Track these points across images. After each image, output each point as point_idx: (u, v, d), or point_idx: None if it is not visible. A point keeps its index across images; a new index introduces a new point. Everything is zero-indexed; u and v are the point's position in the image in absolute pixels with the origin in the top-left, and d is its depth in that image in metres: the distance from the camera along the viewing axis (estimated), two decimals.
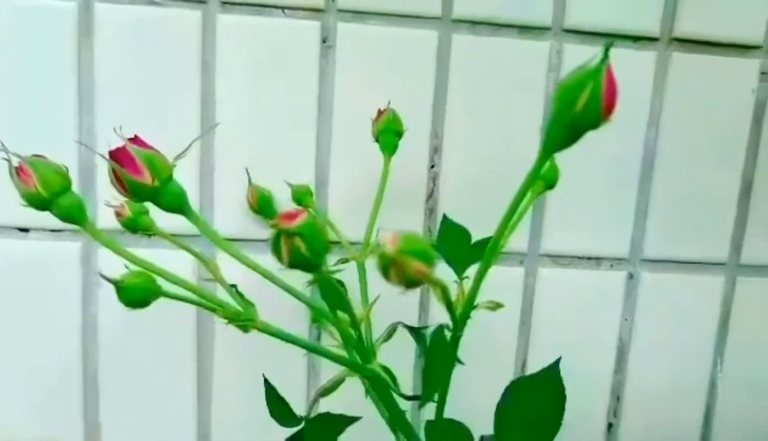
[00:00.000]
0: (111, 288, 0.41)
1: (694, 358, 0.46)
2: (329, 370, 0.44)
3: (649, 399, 0.46)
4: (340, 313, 0.30)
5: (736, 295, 0.45)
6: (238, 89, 0.40)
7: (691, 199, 0.44)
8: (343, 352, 0.38)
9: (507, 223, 0.23)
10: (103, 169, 0.39)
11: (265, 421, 0.44)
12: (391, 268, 0.16)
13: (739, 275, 0.45)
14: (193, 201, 0.40)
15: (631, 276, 0.45)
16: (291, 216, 0.19)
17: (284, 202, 0.39)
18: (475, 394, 0.36)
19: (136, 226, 0.33)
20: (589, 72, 0.19)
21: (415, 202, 0.42)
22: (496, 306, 0.29)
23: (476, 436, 0.30)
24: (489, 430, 0.34)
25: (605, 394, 0.46)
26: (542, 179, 0.29)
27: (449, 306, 0.22)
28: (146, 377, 0.43)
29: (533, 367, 0.44)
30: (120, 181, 0.25)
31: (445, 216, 0.34)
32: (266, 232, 0.41)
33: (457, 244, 0.32)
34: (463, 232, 0.33)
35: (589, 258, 0.44)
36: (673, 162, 0.43)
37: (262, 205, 0.39)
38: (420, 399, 0.27)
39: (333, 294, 0.36)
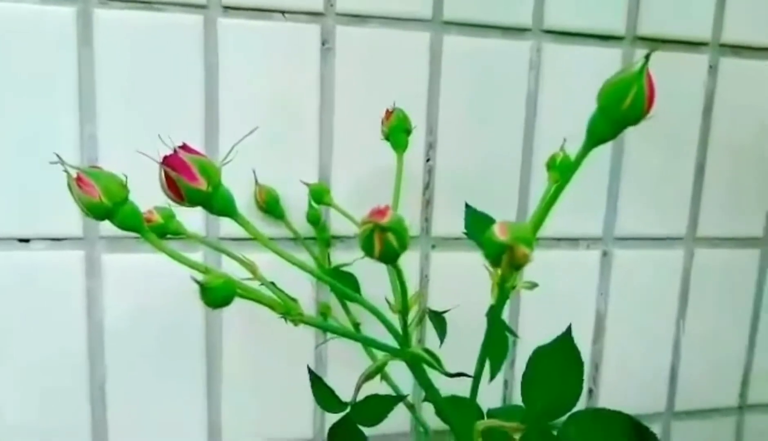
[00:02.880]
0: (116, 295, 0.42)
1: (660, 323, 0.51)
2: (336, 368, 0.46)
3: (623, 364, 0.51)
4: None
5: (694, 266, 0.51)
6: (241, 93, 0.40)
7: (654, 182, 0.49)
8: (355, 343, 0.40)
9: (546, 210, 0.26)
10: None
11: (276, 422, 0.46)
12: (504, 254, 0.18)
13: (696, 248, 0.51)
14: None
15: (605, 254, 0.49)
16: (381, 212, 0.21)
17: (289, 202, 0.41)
18: (467, 370, 0.38)
19: (166, 230, 0.33)
20: (633, 74, 0.22)
21: (412, 194, 0.44)
22: (531, 286, 0.32)
23: None
24: (484, 404, 0.37)
25: (586, 363, 0.50)
26: (558, 170, 0.32)
27: (502, 286, 0.25)
28: (154, 379, 0.43)
29: (523, 343, 0.48)
30: (173, 188, 0.26)
31: (467, 205, 0.36)
32: (272, 231, 0.42)
33: (485, 232, 0.34)
34: (488, 220, 0.35)
35: (568, 239, 0.48)
36: (638, 151, 0.48)
37: (270, 205, 0.40)
38: (464, 376, 0.29)
39: (351, 284, 0.38)
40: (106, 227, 0.40)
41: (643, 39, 0.46)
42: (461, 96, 0.44)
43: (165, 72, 0.39)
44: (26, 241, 0.39)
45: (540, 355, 0.33)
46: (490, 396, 0.46)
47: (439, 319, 0.35)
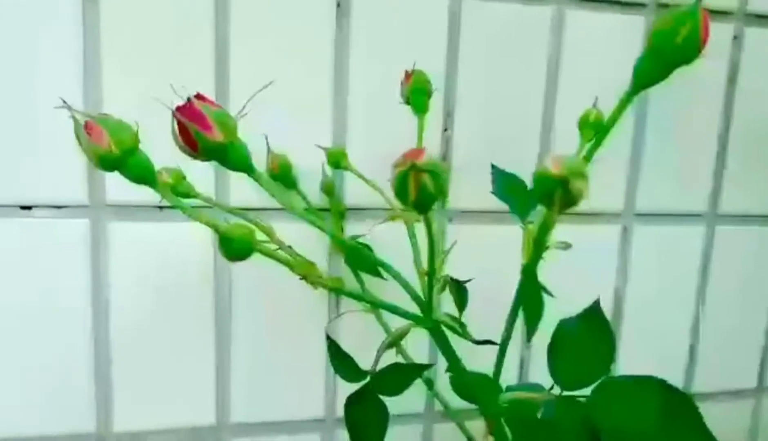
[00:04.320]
0: (122, 263, 0.40)
1: (680, 301, 0.50)
2: (349, 338, 0.45)
3: (641, 344, 0.50)
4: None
5: (716, 243, 0.49)
6: (253, 55, 0.39)
7: (676, 157, 0.47)
8: (373, 315, 0.39)
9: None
10: None
11: (285, 404, 0.44)
12: (557, 189, 0.16)
13: (717, 225, 0.49)
14: (208, 170, 0.39)
15: (625, 229, 0.48)
16: (417, 153, 0.19)
17: (302, 168, 0.39)
18: (483, 350, 0.37)
19: (177, 192, 0.32)
20: (687, 11, 0.20)
21: None
22: (565, 246, 0.30)
23: None
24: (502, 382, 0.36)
25: None
26: (592, 128, 0.31)
27: (539, 243, 0.23)
28: (161, 355, 0.41)
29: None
30: (187, 139, 0.25)
31: (493, 165, 0.35)
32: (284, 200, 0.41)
33: (515, 192, 0.33)
34: (516, 180, 0.34)
35: (587, 214, 0.47)
36: (660, 123, 0.47)
37: (282, 172, 0.39)
38: (492, 344, 0.28)
39: (363, 256, 0.36)
40: (113, 195, 0.39)
41: (667, 6, 0.45)
42: (481, 64, 0.42)
43: (174, 30, 0.38)
44: (28, 208, 0.38)
45: (568, 326, 0.32)
46: (505, 376, 0.44)
47: (459, 289, 0.33)
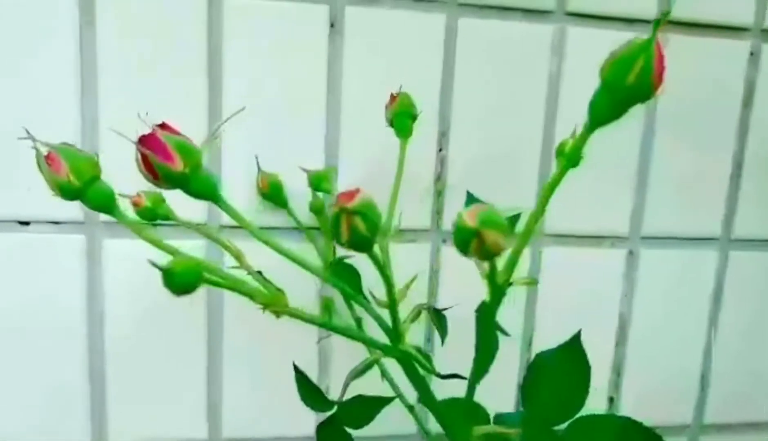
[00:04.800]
0: (117, 280, 0.41)
1: (690, 330, 0.48)
2: (340, 363, 0.45)
3: (647, 372, 0.48)
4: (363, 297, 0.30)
5: (729, 269, 0.47)
6: (246, 74, 0.39)
7: (686, 178, 0.45)
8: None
9: (545, 199, 0.23)
10: (108, 157, 0.38)
11: (277, 417, 0.44)
12: (472, 241, 0.16)
13: (731, 250, 0.47)
14: None
15: (631, 253, 0.46)
16: (350, 195, 0.19)
17: (294, 188, 0.39)
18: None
19: (155, 215, 0.32)
20: (640, 46, 0.19)
21: (424, 183, 0.42)
22: (531, 282, 0.29)
23: None
24: (497, 407, 0.35)
25: (606, 369, 0.48)
26: (566, 157, 0.30)
27: (492, 280, 0.23)
28: (154, 369, 0.42)
29: (539, 344, 0.46)
30: (150, 168, 0.25)
31: (469, 193, 0.34)
32: (274, 220, 0.41)
33: None
34: None
35: (591, 237, 0.45)
36: (669, 144, 0.45)
37: (273, 192, 0.39)
38: (458, 377, 0.27)
39: (351, 278, 0.36)
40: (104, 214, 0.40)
41: (677, 23, 0.43)
42: (477, 82, 0.42)
43: (168, 53, 0.38)
44: (26, 223, 0.39)
45: (546, 358, 0.31)
46: (503, 401, 0.44)
47: (439, 317, 0.33)
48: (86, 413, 0.42)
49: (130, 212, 0.34)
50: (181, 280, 0.22)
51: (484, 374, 0.27)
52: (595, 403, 0.47)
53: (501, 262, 0.26)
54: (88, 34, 0.37)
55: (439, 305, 0.44)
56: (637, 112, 0.43)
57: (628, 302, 0.47)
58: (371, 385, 0.35)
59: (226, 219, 0.41)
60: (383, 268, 0.23)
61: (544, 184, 0.44)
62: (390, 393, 0.35)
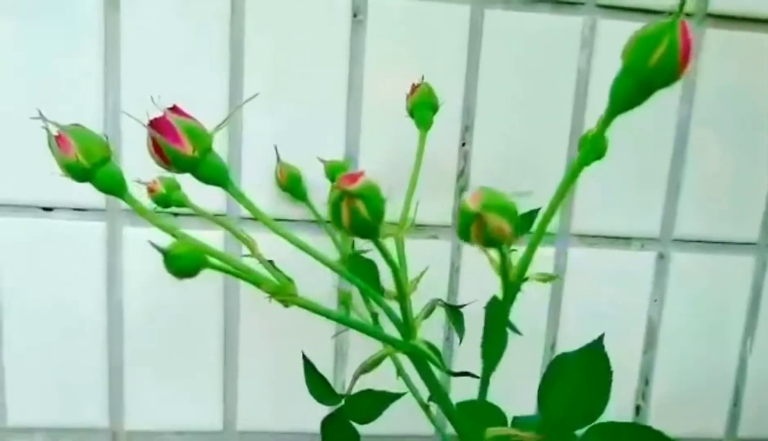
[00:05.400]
0: (137, 266, 0.41)
1: (724, 338, 0.46)
2: (356, 356, 0.44)
3: (677, 381, 0.46)
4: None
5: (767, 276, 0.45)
6: (268, 64, 0.39)
7: (723, 178, 0.43)
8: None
9: (562, 192, 0.22)
10: (129, 146, 0.39)
11: (292, 406, 0.44)
12: (473, 224, 0.15)
13: None
14: None
15: (661, 256, 0.44)
16: (352, 178, 0.18)
17: (313, 181, 0.39)
18: (504, 375, 0.35)
19: (169, 201, 0.32)
20: (664, 25, 0.18)
21: (446, 179, 0.41)
22: (548, 278, 0.28)
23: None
24: (518, 411, 0.34)
25: (634, 376, 0.46)
26: (587, 146, 0.28)
27: (504, 275, 0.22)
28: (172, 364, 0.42)
29: (563, 347, 0.44)
30: (159, 152, 0.25)
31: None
32: (293, 212, 0.40)
33: None
34: None
35: (619, 238, 0.44)
36: (705, 141, 0.43)
37: (291, 183, 0.38)
38: (468, 375, 0.26)
39: (367, 271, 0.35)
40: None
41: (715, 16, 0.41)
42: (503, 76, 0.41)
43: (190, 41, 0.38)
44: (50, 209, 0.39)
45: (565, 361, 0.29)
46: (525, 403, 0.42)
47: (455, 314, 0.32)
48: (104, 400, 0.42)
49: (146, 199, 0.34)
50: (181, 263, 0.22)
51: (492, 372, 0.26)
52: (621, 411, 0.46)
53: (515, 258, 0.25)
54: (113, 20, 0.38)
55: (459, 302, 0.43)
56: (671, 107, 0.42)
57: (658, 307, 0.45)
58: (389, 382, 0.34)
59: (245, 210, 0.41)
60: (388, 256, 0.22)
61: None
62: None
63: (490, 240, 0.15)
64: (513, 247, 0.30)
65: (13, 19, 0.37)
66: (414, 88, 0.34)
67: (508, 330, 0.29)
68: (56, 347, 0.41)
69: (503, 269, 0.20)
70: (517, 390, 0.30)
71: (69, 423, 0.42)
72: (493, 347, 0.25)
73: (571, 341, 0.32)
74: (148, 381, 0.42)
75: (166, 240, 0.40)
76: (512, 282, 0.22)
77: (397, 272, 0.23)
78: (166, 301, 0.42)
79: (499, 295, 0.23)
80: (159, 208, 0.34)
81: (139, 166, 0.28)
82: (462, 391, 0.29)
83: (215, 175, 0.26)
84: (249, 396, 0.43)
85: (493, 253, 0.23)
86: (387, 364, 0.32)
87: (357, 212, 0.18)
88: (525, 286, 0.31)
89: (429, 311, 0.29)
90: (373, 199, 0.18)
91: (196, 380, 0.43)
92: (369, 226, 0.19)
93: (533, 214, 0.31)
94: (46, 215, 0.39)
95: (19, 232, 0.39)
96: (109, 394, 0.42)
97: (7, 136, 0.38)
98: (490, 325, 0.24)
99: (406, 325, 0.27)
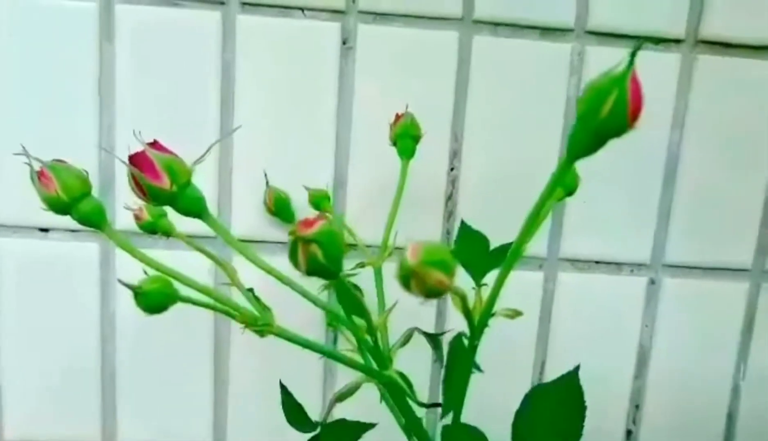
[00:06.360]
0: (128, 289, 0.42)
1: (716, 365, 0.45)
2: (346, 376, 0.44)
3: (668, 406, 0.46)
4: (357, 318, 0.29)
5: (761, 302, 0.44)
6: (258, 91, 0.40)
7: (715, 203, 0.43)
8: (359, 357, 0.38)
9: (528, 231, 0.23)
10: (122, 172, 0.40)
11: (281, 425, 0.44)
12: (412, 279, 0.15)
13: (764, 282, 0.44)
14: (211, 202, 0.40)
15: (652, 282, 0.44)
16: (309, 223, 0.19)
17: (302, 205, 0.39)
18: (492, 400, 0.35)
19: (155, 229, 0.33)
20: (614, 78, 0.18)
21: (434, 204, 0.42)
22: (514, 314, 0.28)
23: None
24: (505, 437, 0.34)
25: (624, 401, 0.46)
26: (562, 186, 0.29)
27: (467, 314, 0.22)
28: (163, 376, 0.43)
29: (552, 374, 0.44)
30: (139, 186, 0.25)
31: (463, 222, 0.33)
32: (284, 235, 0.41)
33: (475, 251, 0.31)
34: (481, 239, 0.32)
35: (610, 263, 0.44)
36: (697, 165, 0.43)
37: (279, 208, 0.39)
38: (438, 407, 0.26)
39: (349, 299, 0.36)
40: (121, 223, 0.41)
41: (708, 42, 0.41)
42: (492, 102, 0.41)
43: (182, 69, 0.39)
44: (46, 230, 0.40)
45: (540, 393, 0.30)
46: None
47: (434, 341, 0.32)
48: (97, 413, 0.43)
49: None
50: (151, 300, 0.22)
51: (459, 408, 0.26)
52: (612, 436, 0.46)
53: (485, 293, 0.26)
54: (107, 49, 0.39)
55: (448, 327, 0.44)
56: (662, 132, 0.42)
57: (649, 333, 0.45)
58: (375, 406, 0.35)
59: (239, 232, 0.41)
60: (350, 294, 0.22)
61: (558, 209, 0.42)
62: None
63: (430, 292, 0.16)
64: (483, 282, 0.31)
65: (12, 46, 0.38)
66: (397, 117, 0.35)
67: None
68: (51, 363, 0.42)
69: (466, 310, 0.21)
70: (504, 415, 0.30)
71: (62, 436, 0.43)
72: (457, 384, 0.25)
73: (560, 366, 0.32)
74: (141, 394, 0.43)
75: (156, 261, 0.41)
76: (477, 322, 0.22)
77: (362, 309, 0.23)
78: (158, 318, 0.42)
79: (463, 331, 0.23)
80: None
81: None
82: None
83: (193, 207, 0.26)
84: (239, 409, 0.44)
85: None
86: (374, 389, 0.32)
87: (314, 257, 0.19)
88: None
89: (405, 340, 0.30)
90: (331, 244, 0.19)
91: (188, 393, 0.43)
92: (326, 270, 0.19)
93: (504, 248, 0.31)
94: (42, 236, 0.40)
95: (15, 252, 0.40)
96: (102, 407, 0.43)
97: (3, 158, 0.39)
98: (453, 362, 0.24)
99: (380, 356, 0.27)
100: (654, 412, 0.46)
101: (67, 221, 0.40)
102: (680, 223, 0.43)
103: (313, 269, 0.19)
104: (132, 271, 0.41)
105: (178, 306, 0.42)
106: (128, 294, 0.42)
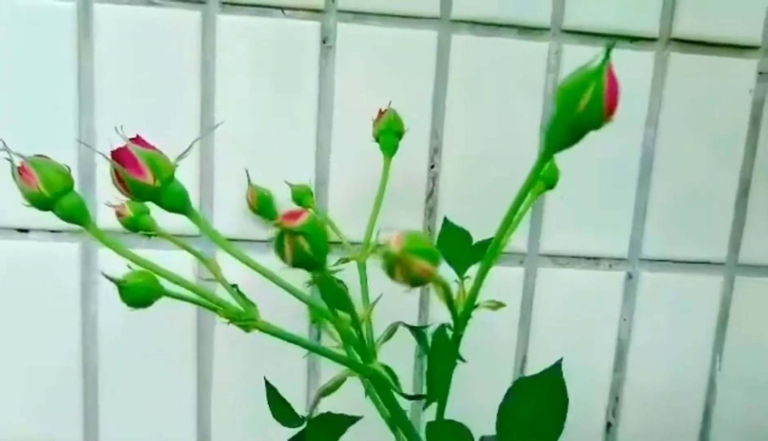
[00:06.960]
0: (111, 288, 0.41)
1: (693, 357, 0.46)
2: (330, 371, 0.44)
3: (647, 399, 0.47)
4: (341, 313, 0.30)
5: (735, 295, 0.46)
6: (238, 90, 0.40)
7: (690, 199, 0.44)
8: (343, 352, 0.39)
9: (508, 224, 0.23)
10: (103, 169, 0.39)
11: (265, 422, 0.44)
12: (396, 267, 0.16)
13: (738, 275, 0.45)
14: (193, 201, 0.40)
15: (630, 276, 0.45)
16: (294, 215, 0.19)
17: (284, 202, 0.39)
18: (475, 394, 0.36)
19: (137, 225, 0.33)
20: (590, 73, 0.19)
21: (415, 201, 0.42)
22: (497, 305, 0.29)
23: (476, 436, 0.30)
24: (489, 430, 0.34)
25: (604, 393, 0.46)
26: (542, 179, 0.29)
27: (451, 305, 0.22)
28: (146, 377, 0.43)
29: (533, 367, 0.45)
30: (122, 181, 0.25)
31: (445, 218, 0.34)
32: (266, 233, 0.41)
33: (458, 245, 0.32)
34: (463, 234, 0.33)
35: (588, 258, 0.44)
36: (672, 162, 0.44)
37: (261, 205, 0.39)
38: (423, 398, 0.27)
39: (334, 293, 0.36)
40: (103, 221, 0.41)
41: (680, 41, 0.42)
42: (470, 100, 0.41)
43: (162, 68, 0.39)
44: (25, 231, 0.40)
45: (524, 386, 0.30)
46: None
47: (418, 334, 0.32)
48: (79, 415, 0.42)
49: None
50: (135, 294, 0.22)
51: (443, 399, 0.26)
52: (592, 428, 0.47)
53: (468, 285, 0.26)
54: (86, 47, 0.38)
55: (431, 321, 0.44)
56: (637, 129, 0.43)
57: (627, 326, 0.45)
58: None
59: (221, 231, 0.41)
60: (335, 287, 0.22)
61: (538, 206, 0.43)
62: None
63: (414, 280, 0.16)
64: (465, 275, 0.31)
65: None
66: (380, 114, 0.35)
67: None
68: (31, 364, 0.41)
69: (449, 300, 0.21)
70: (486, 408, 0.31)
71: (45, 436, 0.42)
72: (441, 374, 0.26)
73: (541, 360, 0.33)
74: (123, 397, 0.43)
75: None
76: (460, 314, 0.22)
77: (347, 303, 0.24)
78: (140, 318, 0.42)
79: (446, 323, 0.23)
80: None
81: (113, 189, 0.29)
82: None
83: (176, 203, 0.26)
84: (223, 408, 0.44)
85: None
86: (359, 384, 0.33)
87: (300, 249, 0.19)
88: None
89: (389, 334, 0.30)
90: (316, 235, 0.19)
91: (171, 393, 0.43)
92: (312, 262, 0.20)
93: (486, 243, 0.31)
94: (22, 237, 0.40)
95: None
96: (84, 409, 0.42)
97: None
98: (436, 353, 0.25)
99: (365, 349, 0.27)
100: (633, 406, 0.47)
101: (48, 221, 0.40)
102: (656, 219, 0.44)
103: (299, 261, 0.19)
104: (114, 271, 0.41)
105: (161, 305, 0.42)
106: (110, 295, 0.42)
